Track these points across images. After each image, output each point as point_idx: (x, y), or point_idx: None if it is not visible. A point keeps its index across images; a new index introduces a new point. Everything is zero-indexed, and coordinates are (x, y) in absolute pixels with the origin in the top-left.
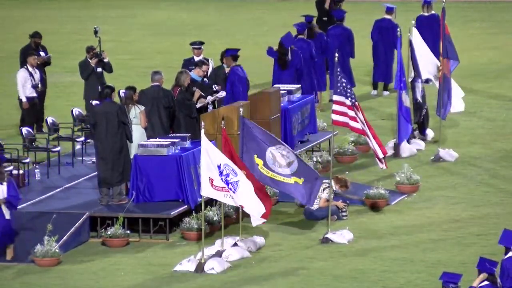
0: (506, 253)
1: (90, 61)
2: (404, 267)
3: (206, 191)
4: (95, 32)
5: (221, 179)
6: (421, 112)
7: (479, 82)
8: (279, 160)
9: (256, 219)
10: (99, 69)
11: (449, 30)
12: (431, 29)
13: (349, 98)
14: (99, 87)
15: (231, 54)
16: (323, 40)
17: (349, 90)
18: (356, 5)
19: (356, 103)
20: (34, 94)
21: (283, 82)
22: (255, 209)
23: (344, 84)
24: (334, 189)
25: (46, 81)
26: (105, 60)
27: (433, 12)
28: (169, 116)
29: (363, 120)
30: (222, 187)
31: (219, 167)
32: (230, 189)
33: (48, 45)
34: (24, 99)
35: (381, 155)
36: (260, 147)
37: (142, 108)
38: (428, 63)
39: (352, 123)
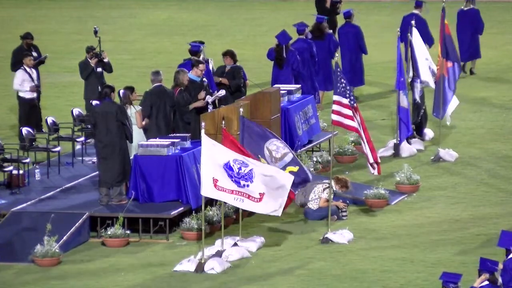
0: (507, 255)
1: (90, 61)
2: (404, 267)
3: (207, 192)
4: (95, 32)
5: (232, 180)
6: (419, 112)
7: (479, 82)
8: (274, 155)
9: (277, 207)
10: (99, 69)
11: (449, 30)
12: (470, 24)
13: (349, 99)
14: (99, 87)
15: (192, 50)
16: (332, 40)
17: (348, 91)
18: (355, 5)
19: (355, 104)
20: (34, 95)
21: (280, 81)
22: (277, 194)
23: (344, 85)
24: (334, 189)
25: (40, 81)
26: (105, 60)
27: (472, 6)
28: (174, 115)
29: (360, 122)
30: (232, 190)
31: (227, 165)
32: (244, 185)
33: (48, 45)
34: (27, 90)
35: (371, 160)
36: (259, 147)
37: (139, 108)
38: (424, 65)
39: (348, 121)
